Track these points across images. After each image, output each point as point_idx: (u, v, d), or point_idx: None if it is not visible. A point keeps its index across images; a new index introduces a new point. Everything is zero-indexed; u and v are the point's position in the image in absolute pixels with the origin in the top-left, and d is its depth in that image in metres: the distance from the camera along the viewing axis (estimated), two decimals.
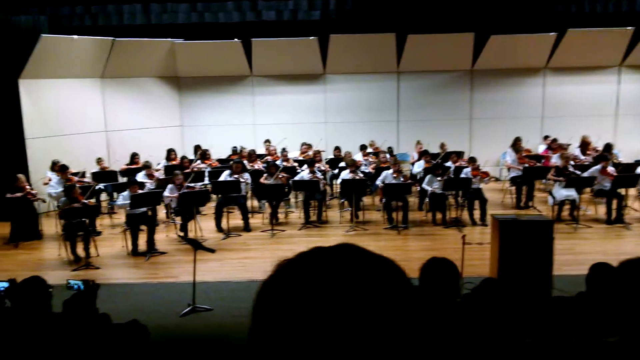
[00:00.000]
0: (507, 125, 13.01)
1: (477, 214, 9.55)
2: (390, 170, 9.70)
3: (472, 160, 9.85)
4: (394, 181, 9.48)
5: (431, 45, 12.53)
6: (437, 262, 2.67)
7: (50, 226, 9.91)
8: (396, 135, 13.49)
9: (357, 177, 9.69)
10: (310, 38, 12.47)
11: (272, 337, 0.73)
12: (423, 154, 11.08)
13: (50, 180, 9.95)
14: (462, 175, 9.64)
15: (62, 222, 8.49)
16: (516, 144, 10.90)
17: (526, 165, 10.42)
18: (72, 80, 11.59)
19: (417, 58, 12.80)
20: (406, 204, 9.42)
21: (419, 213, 10.42)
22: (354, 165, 9.89)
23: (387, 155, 11.39)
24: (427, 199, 9.86)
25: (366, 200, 10.56)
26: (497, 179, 12.58)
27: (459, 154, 11.34)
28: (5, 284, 3.60)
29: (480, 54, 12.77)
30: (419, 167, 10.85)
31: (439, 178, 9.51)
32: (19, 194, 9.18)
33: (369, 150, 12.19)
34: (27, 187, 9.41)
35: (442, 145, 12.03)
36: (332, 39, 12.47)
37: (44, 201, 9.98)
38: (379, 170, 10.46)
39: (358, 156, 11.68)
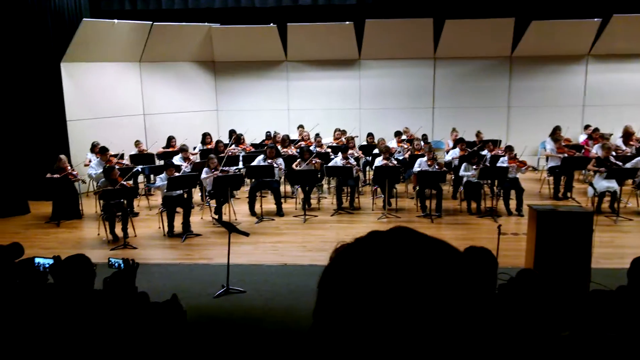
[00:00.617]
0: (547, 114, 12.68)
1: (512, 204, 9.38)
2: (425, 158, 9.61)
3: (509, 148, 9.65)
4: (428, 169, 9.39)
5: (470, 30, 12.28)
6: (475, 251, 2.64)
7: (90, 206, 10.22)
8: (431, 122, 13.32)
9: (391, 164, 9.63)
10: (346, 23, 12.37)
11: (336, 322, 0.74)
12: (458, 142, 10.92)
13: (90, 161, 10.23)
14: (499, 164, 9.47)
15: (101, 203, 8.74)
16: (555, 133, 10.63)
17: (565, 155, 10.16)
18: (111, 63, 11.82)
19: (454, 44, 12.57)
20: (440, 192, 9.32)
21: (453, 202, 10.31)
22: (387, 152, 9.82)
23: (422, 143, 11.28)
24: (461, 188, 9.73)
25: (399, 187, 10.49)
26: (534, 169, 12.30)
27: (495, 143, 11.13)
28: (50, 261, 3.73)
29: (521, 40, 12.44)
30: (453, 154, 10.70)
31: (474, 166, 9.37)
32: (58, 175, 9.48)
33: (403, 137, 12.09)
34: (68, 167, 9.70)
35: (478, 134, 11.83)
36: (367, 24, 12.35)
37: (84, 182, 10.28)
38: (413, 158, 10.36)
39: (392, 143, 11.60)
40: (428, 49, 12.85)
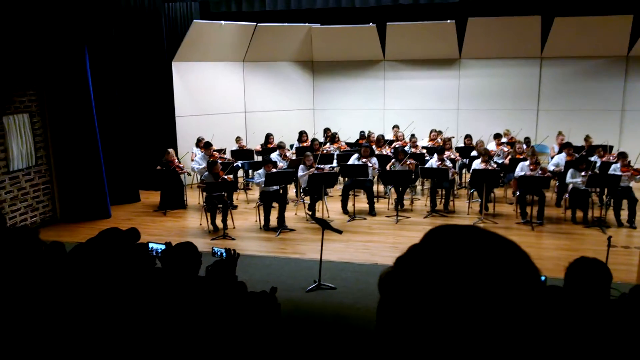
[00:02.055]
0: None
1: (624, 214, 8.69)
2: (527, 162, 9.16)
3: (622, 155, 8.95)
4: (530, 173, 8.94)
5: (581, 28, 11.51)
6: (587, 262, 2.48)
7: (194, 198, 10.84)
8: (535, 125, 12.65)
9: (490, 168, 9.29)
10: (447, 22, 12.09)
11: (400, 322, 0.74)
12: (565, 147, 10.28)
13: (195, 155, 10.85)
14: (610, 172, 8.81)
15: (204, 195, 9.25)
16: None
17: None
18: (217, 63, 12.44)
19: (564, 42, 11.84)
20: (543, 199, 8.85)
21: (557, 209, 9.74)
22: (486, 155, 9.49)
23: (524, 146, 10.75)
24: (566, 195, 9.17)
25: (497, 192, 10.10)
26: None
27: (605, 148, 10.36)
28: (162, 246, 4.02)
29: None
30: (559, 160, 10.07)
31: (582, 173, 8.79)
32: (167, 167, 10.15)
33: (504, 139, 11.60)
34: (176, 160, 10.37)
35: (587, 138, 11.06)
36: (470, 22, 11.98)
37: (189, 174, 10.94)
38: (513, 162, 9.92)
39: (491, 145, 11.18)
40: (534, 48, 12.22)
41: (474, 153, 10.72)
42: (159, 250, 4.06)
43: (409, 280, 0.74)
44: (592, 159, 9.75)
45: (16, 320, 2.58)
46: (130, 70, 11.09)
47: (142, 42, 11.19)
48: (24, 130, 8.85)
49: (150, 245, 4.07)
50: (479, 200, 9.53)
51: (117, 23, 10.48)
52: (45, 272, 2.98)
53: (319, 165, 9.69)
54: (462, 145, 11.65)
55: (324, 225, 6.57)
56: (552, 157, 10.78)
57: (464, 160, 11.07)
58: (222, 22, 11.86)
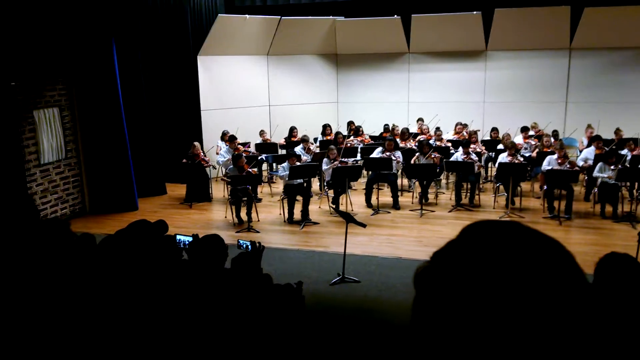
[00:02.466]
0: None
1: None
2: (555, 155, 9.00)
3: None
4: (558, 167, 8.79)
5: (612, 19, 11.21)
6: (618, 257, 2.42)
7: (219, 190, 10.96)
8: (563, 117, 12.41)
9: (516, 161, 9.16)
10: (474, 13, 11.92)
11: (436, 318, 0.73)
12: (594, 140, 10.05)
13: (220, 149, 10.96)
14: None
15: (229, 188, 9.34)
16: None
17: None
18: (242, 57, 12.51)
19: (594, 33, 11.56)
20: (571, 193, 8.69)
21: (585, 204, 9.56)
22: (513, 148, 9.35)
23: (552, 139, 10.56)
24: (595, 189, 8.99)
25: (524, 186, 9.95)
26: None
27: (636, 141, 10.09)
28: (190, 239, 4.09)
29: None
30: (588, 153, 9.86)
31: (612, 167, 8.60)
32: (193, 160, 10.27)
33: (531, 132, 11.40)
34: (201, 154, 10.49)
35: (617, 131, 10.79)
36: (497, 13, 11.78)
37: (214, 167, 11.05)
38: (541, 155, 9.76)
39: (518, 138, 11.01)
40: (563, 39, 11.96)
41: (500, 146, 10.58)
42: (187, 242, 4.12)
43: (448, 277, 0.73)
44: (623, 152, 9.53)
45: (50, 310, 2.66)
46: (157, 64, 11.23)
47: (168, 36, 11.31)
48: (54, 124, 9.05)
49: (178, 237, 4.13)
50: (505, 194, 9.40)
51: (143, 17, 10.61)
52: (76, 263, 3.06)
53: (343, 159, 9.68)
54: (488, 138, 11.49)
55: (348, 218, 6.58)
56: (580, 151, 10.56)
57: (490, 153, 10.93)
58: (247, 16, 11.90)
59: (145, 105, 10.51)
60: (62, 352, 2.51)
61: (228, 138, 10.71)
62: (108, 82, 9.35)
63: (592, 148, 9.79)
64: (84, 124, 9.58)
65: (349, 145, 10.93)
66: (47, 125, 8.91)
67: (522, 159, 9.41)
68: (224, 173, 10.34)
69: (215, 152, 11.28)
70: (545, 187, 8.90)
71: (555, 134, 11.43)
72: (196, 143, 10.59)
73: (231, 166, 9.24)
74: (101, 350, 2.52)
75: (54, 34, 8.75)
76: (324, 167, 9.48)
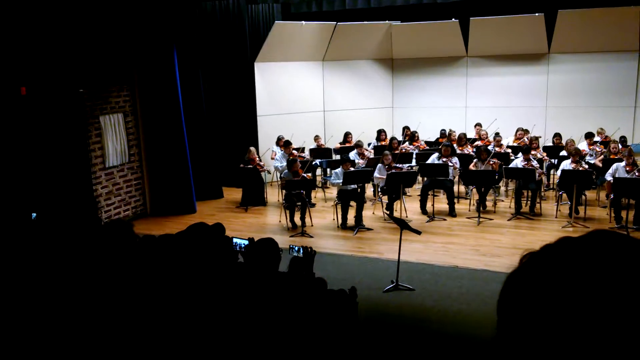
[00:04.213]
0: None
1: None
2: (623, 163, 8.55)
3: None
4: (626, 175, 8.34)
5: None
6: None
7: (274, 195, 11.09)
8: (632, 123, 11.77)
9: (581, 168, 8.76)
10: (536, 15, 11.53)
11: (523, 333, 0.70)
12: None
13: (275, 154, 11.09)
14: None
15: (283, 193, 9.43)
16: None
17: None
18: (298, 63, 12.64)
19: None
20: None
21: None
22: (577, 155, 8.95)
23: (619, 146, 10.04)
24: None
25: (589, 194, 9.50)
26: None
27: None
28: (246, 242, 4.15)
29: None
30: None
31: None
32: (250, 165, 10.45)
33: (596, 139, 10.89)
34: (257, 159, 10.66)
35: None
36: (560, 15, 11.35)
37: (269, 172, 11.20)
38: (607, 162, 9.29)
39: (582, 145, 10.54)
40: (632, 41, 11.36)
41: (563, 153, 10.16)
42: (242, 245, 4.18)
43: (548, 285, 0.69)
44: None
45: (114, 308, 2.76)
46: (215, 70, 11.52)
47: (226, 43, 11.58)
48: (119, 129, 9.45)
49: (235, 240, 4.21)
50: (569, 202, 9.01)
51: (203, 25, 10.92)
52: (140, 264, 3.16)
53: (397, 165, 9.58)
54: (551, 144, 11.07)
55: (403, 225, 6.49)
56: None
57: (552, 160, 10.51)
58: (303, 22, 12.02)
59: (204, 111, 10.80)
60: (124, 351, 2.59)
61: (283, 143, 10.82)
62: (169, 88, 9.67)
63: None
64: (146, 129, 9.95)
65: (404, 150, 10.80)
66: (112, 130, 9.31)
67: (586, 166, 9.00)
68: (278, 178, 10.45)
69: (270, 157, 11.43)
70: (612, 195, 8.47)
71: (623, 140, 10.86)
72: (252, 148, 10.78)
73: (286, 171, 9.33)
74: (162, 348, 2.59)
75: (119, 42, 9.15)
76: (376, 174, 9.41)
